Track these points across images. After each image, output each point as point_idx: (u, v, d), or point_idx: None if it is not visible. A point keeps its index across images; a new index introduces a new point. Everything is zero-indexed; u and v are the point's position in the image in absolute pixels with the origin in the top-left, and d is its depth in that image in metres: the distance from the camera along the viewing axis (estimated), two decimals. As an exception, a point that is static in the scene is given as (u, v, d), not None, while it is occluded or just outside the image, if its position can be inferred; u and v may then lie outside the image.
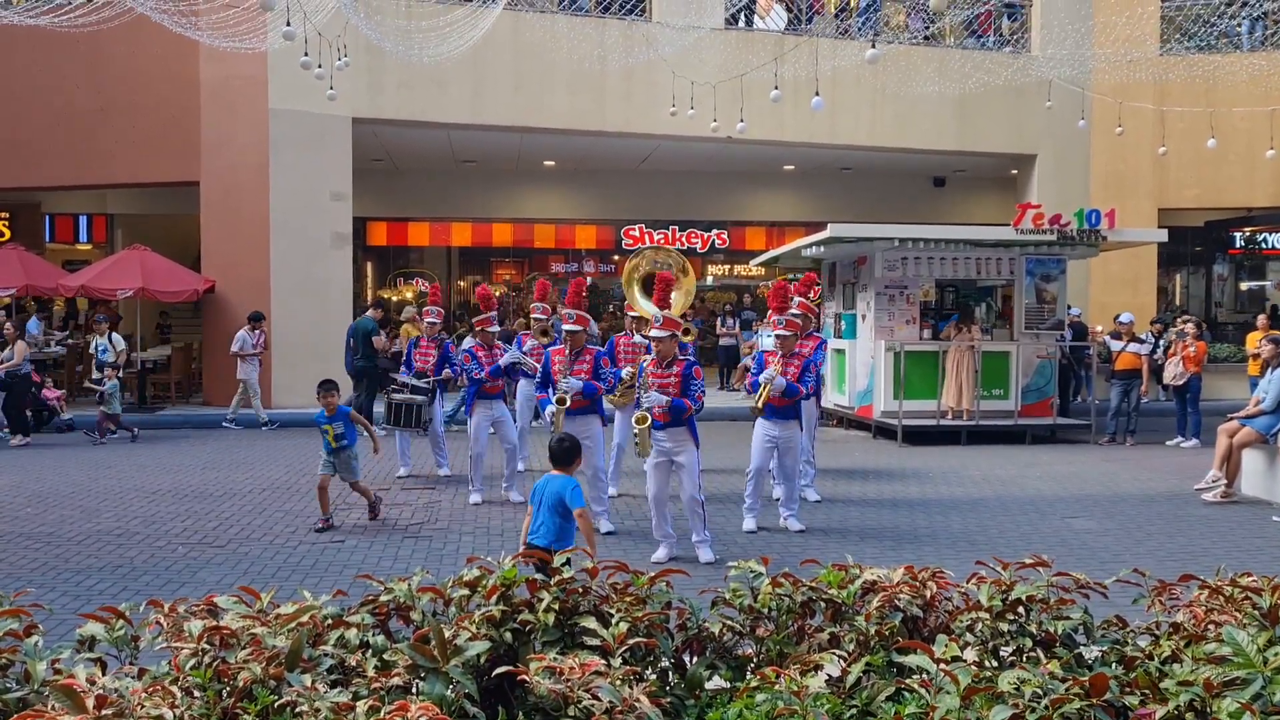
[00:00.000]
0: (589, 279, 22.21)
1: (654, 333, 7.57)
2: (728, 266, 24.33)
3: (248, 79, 15.91)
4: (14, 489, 10.32)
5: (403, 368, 11.03)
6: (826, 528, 8.76)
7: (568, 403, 8.10)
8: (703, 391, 7.60)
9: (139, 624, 2.61)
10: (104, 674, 2.33)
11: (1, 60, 16.45)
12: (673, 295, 10.39)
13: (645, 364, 7.76)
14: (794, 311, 8.69)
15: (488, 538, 8.24)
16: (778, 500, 8.87)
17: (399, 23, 15.11)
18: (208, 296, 16.61)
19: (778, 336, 8.39)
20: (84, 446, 13.41)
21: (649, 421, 7.42)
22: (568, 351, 8.36)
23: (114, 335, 14.66)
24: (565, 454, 5.81)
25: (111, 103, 17.00)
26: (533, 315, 10.54)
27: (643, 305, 10.67)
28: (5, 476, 11.06)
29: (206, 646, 2.40)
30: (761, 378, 8.20)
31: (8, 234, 20.51)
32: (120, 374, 14.36)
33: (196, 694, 2.27)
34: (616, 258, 23.30)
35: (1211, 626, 2.69)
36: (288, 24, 10.97)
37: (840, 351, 15.42)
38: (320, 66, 12.97)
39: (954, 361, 13.99)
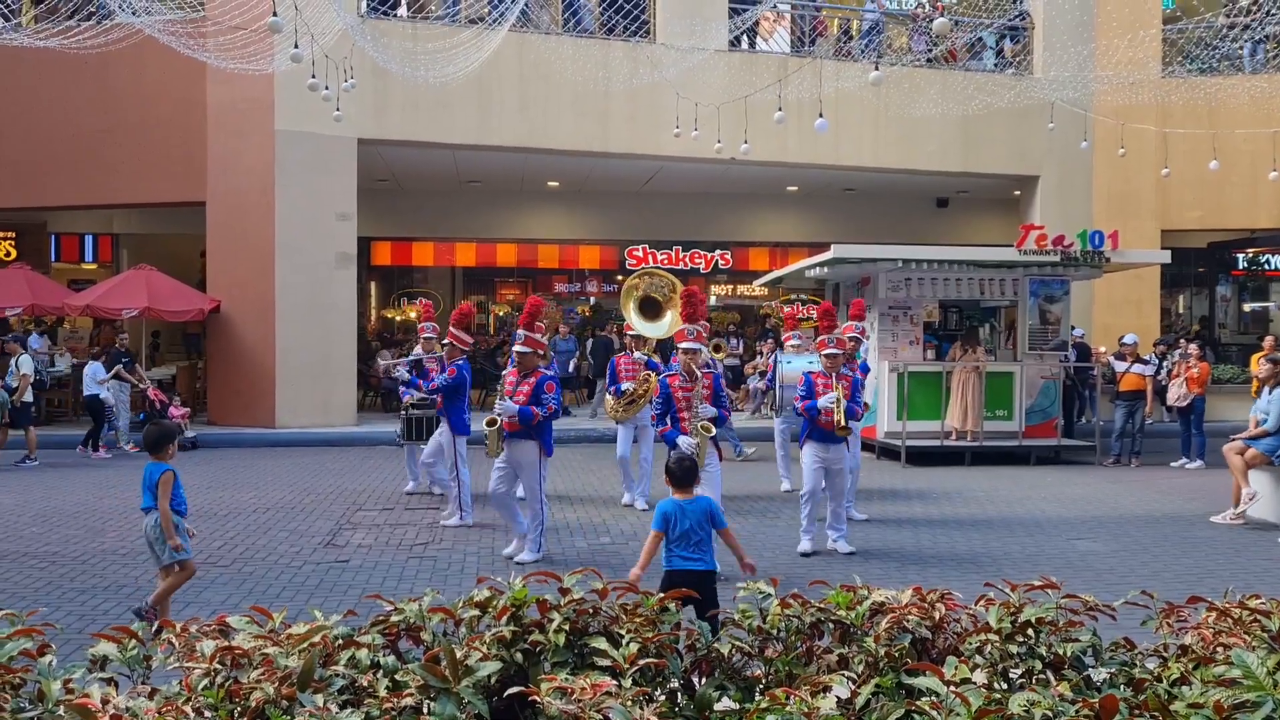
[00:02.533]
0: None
1: (517, 348, 8.01)
2: (731, 287, 24.37)
3: (254, 100, 16.01)
4: (20, 508, 10.33)
5: (407, 386, 10.89)
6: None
7: (499, 424, 7.80)
8: (555, 403, 7.98)
9: (151, 644, 2.62)
10: (117, 694, 2.33)
11: (10, 81, 16.56)
12: (665, 315, 10.87)
13: (665, 378, 7.83)
14: (851, 334, 8.96)
15: (493, 558, 8.24)
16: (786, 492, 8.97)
17: (405, 45, 15.23)
18: (213, 316, 16.66)
19: (827, 356, 8.31)
20: (89, 467, 13.43)
21: (497, 425, 7.81)
22: (519, 373, 8.02)
23: (23, 358, 13.83)
24: (687, 474, 5.65)
25: (119, 123, 17.10)
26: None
27: (639, 326, 11.00)
28: (11, 496, 11.07)
29: (219, 666, 2.40)
30: (821, 403, 8.15)
31: (14, 253, 20.59)
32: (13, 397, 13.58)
33: (209, 714, 2.27)
34: (620, 278, 23.30)
35: (1220, 649, 2.69)
36: (295, 46, 11.05)
37: (844, 372, 15.41)
38: (327, 88, 13.05)
39: (959, 382, 14.00)
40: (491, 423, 7.80)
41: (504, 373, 8.31)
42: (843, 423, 8.17)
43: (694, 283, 23.33)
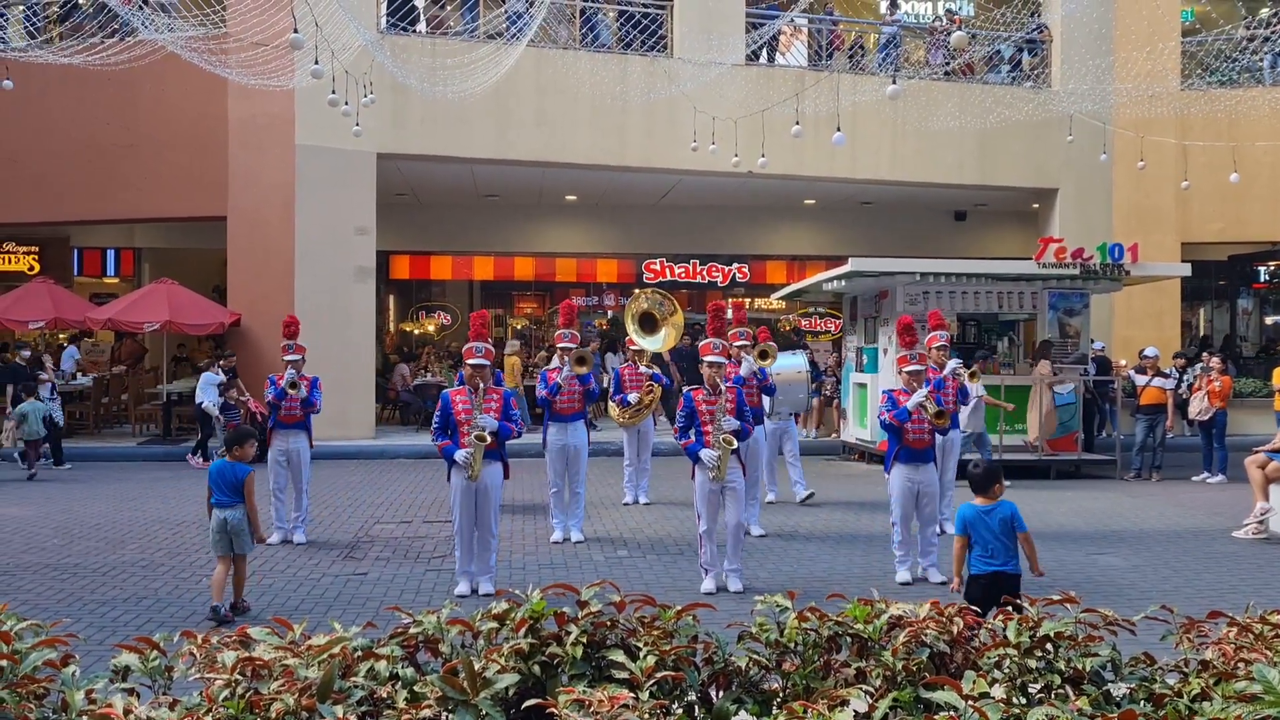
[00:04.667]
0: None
1: (471, 361, 7.52)
2: (748, 300, 24.39)
3: (275, 116, 16.15)
4: (41, 520, 10.42)
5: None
6: (849, 562, 8.72)
7: (488, 440, 7.38)
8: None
9: (172, 655, 2.64)
10: (139, 704, 2.35)
11: (34, 98, 16.75)
12: (661, 330, 11.39)
13: (690, 392, 7.68)
14: (938, 344, 8.92)
15: (509, 571, 8.24)
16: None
17: (424, 60, 15.34)
18: (233, 330, 16.77)
19: (910, 373, 7.98)
20: (108, 480, 13.52)
21: (486, 442, 7.39)
22: (480, 388, 7.54)
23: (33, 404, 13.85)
24: (984, 480, 5.69)
25: (141, 139, 17.27)
26: (559, 344, 9.74)
27: (638, 339, 11.59)
28: (32, 508, 11.16)
29: (239, 677, 2.42)
30: (910, 403, 7.82)
31: (37, 268, 20.80)
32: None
33: (229, 724, 2.29)
34: (637, 291, 23.36)
35: (1241, 664, 2.68)
36: (315, 62, 11.15)
37: (862, 386, 15.39)
38: (346, 104, 13.16)
39: (1036, 395, 13.85)
40: (481, 438, 7.36)
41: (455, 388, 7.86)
42: (935, 410, 7.76)
43: (712, 297, 23.37)
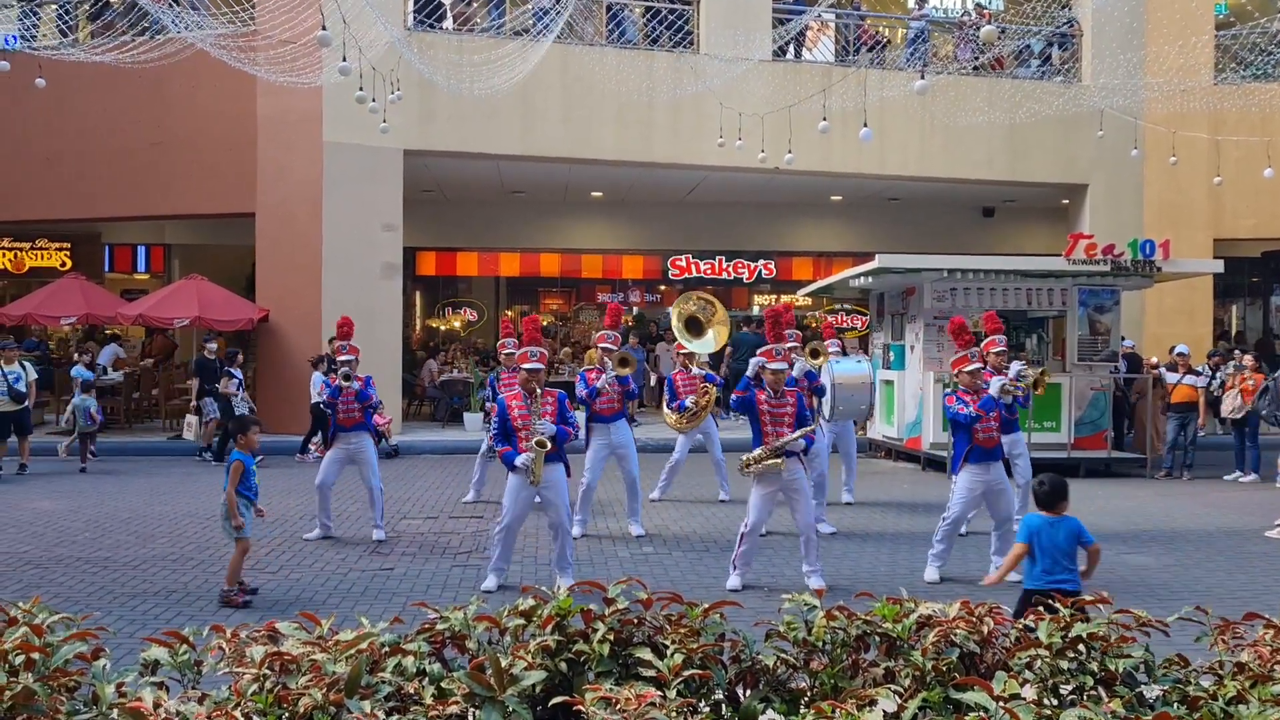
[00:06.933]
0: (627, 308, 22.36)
1: (526, 366, 7.49)
2: (774, 296, 24.31)
3: (303, 113, 16.25)
4: (72, 514, 10.53)
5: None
6: (876, 560, 8.68)
7: (549, 446, 7.38)
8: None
9: (201, 649, 2.66)
10: (168, 698, 2.37)
11: (67, 96, 16.92)
12: (709, 332, 11.29)
13: (755, 392, 7.60)
14: (998, 349, 8.59)
15: (535, 566, 8.26)
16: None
17: (451, 57, 15.38)
18: (262, 326, 16.89)
19: (971, 371, 7.87)
20: (138, 475, 13.65)
21: (546, 448, 7.36)
22: (536, 393, 7.52)
23: (24, 363, 13.82)
24: (1050, 496, 5.60)
25: (171, 136, 17.42)
26: (601, 344, 9.69)
27: (688, 344, 11.28)
28: (64, 501, 11.29)
29: (267, 672, 2.43)
30: (993, 388, 7.77)
31: (69, 264, 21.04)
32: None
33: (257, 719, 2.30)
34: (663, 288, 23.36)
35: (1278, 667, 2.63)
36: (343, 59, 11.20)
37: (889, 383, 15.31)
38: (374, 100, 13.21)
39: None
40: (542, 444, 7.37)
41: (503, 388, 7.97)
42: (1031, 380, 7.70)
43: (738, 293, 23.35)
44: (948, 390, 8.46)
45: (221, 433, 14.60)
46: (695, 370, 11.00)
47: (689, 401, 10.75)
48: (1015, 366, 9.20)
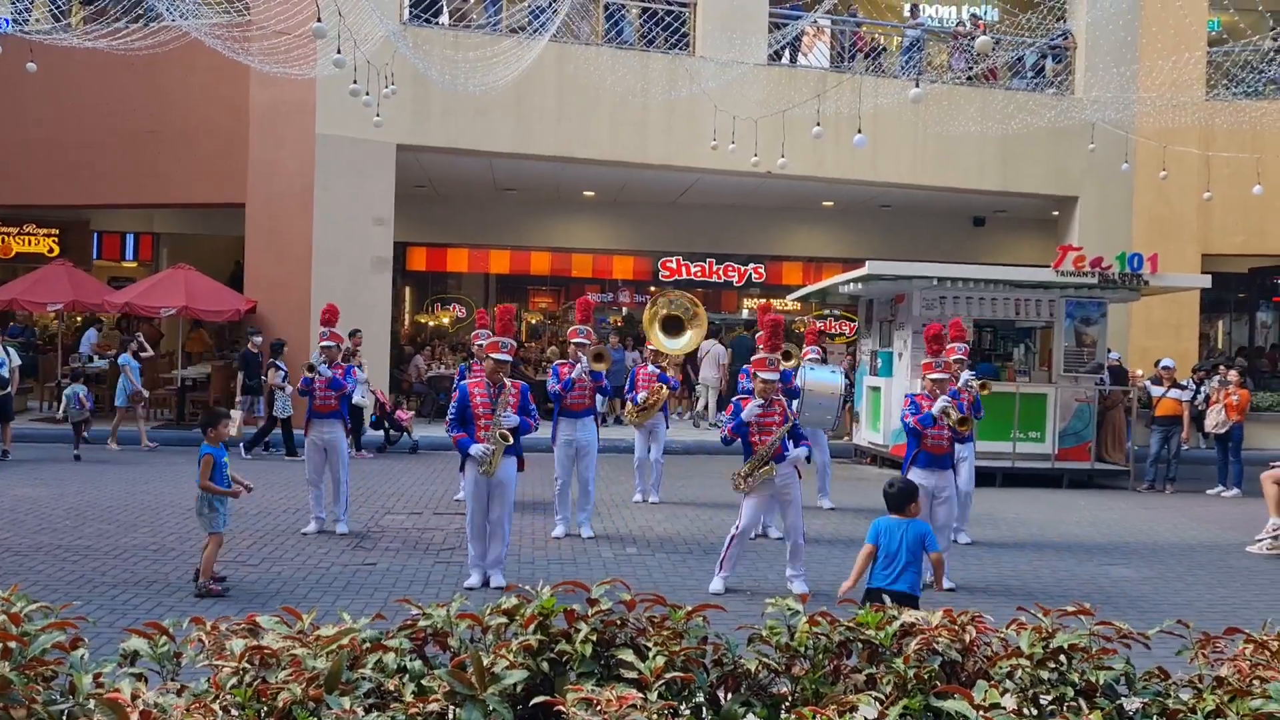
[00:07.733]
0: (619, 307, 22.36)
1: (496, 355, 7.56)
2: (763, 301, 24.33)
3: (296, 104, 16.19)
4: (54, 501, 10.47)
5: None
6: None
7: (509, 440, 7.40)
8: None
9: (181, 640, 2.64)
10: (146, 689, 2.35)
11: (59, 81, 16.83)
12: (687, 332, 11.55)
13: (753, 403, 7.63)
14: (956, 355, 8.73)
15: (518, 565, 8.24)
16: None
17: (445, 53, 15.34)
18: (249, 317, 16.82)
19: (934, 380, 7.98)
20: (121, 463, 13.58)
21: (507, 440, 7.40)
22: (505, 384, 7.56)
23: (8, 349, 13.81)
24: (897, 498, 5.66)
25: (164, 125, 17.34)
26: (574, 339, 9.67)
27: (665, 344, 11.87)
28: (47, 489, 11.22)
29: (247, 666, 2.41)
30: (936, 408, 7.81)
31: (57, 250, 20.91)
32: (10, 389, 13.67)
33: (236, 713, 2.28)
34: (653, 289, 23.34)
35: (1258, 681, 2.64)
36: (338, 52, 11.16)
37: (876, 389, 15.34)
38: (368, 94, 13.17)
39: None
40: (505, 437, 7.38)
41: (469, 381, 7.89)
42: (958, 418, 7.76)
43: (728, 297, 23.35)
44: (906, 393, 8.52)
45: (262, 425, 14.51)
46: (651, 368, 11.45)
47: (640, 396, 11.23)
48: (965, 376, 9.31)
